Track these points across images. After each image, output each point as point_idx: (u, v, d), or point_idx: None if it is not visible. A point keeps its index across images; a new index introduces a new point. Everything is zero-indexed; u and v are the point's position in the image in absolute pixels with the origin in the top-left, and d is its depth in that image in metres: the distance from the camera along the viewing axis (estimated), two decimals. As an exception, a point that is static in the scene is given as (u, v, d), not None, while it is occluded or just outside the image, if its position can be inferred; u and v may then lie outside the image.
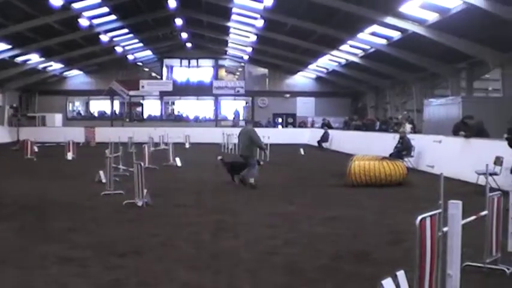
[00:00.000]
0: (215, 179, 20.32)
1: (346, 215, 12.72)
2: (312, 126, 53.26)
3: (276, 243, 9.87)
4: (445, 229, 6.07)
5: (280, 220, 12.07)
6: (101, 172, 18.30)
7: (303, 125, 56.79)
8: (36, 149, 31.35)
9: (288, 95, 58.83)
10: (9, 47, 40.91)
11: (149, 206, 13.53)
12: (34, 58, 47.12)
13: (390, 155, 23.00)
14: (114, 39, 47.08)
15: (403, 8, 28.35)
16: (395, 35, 33.44)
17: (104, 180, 17.39)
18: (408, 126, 29.76)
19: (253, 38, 45.27)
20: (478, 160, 16.99)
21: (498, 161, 16.31)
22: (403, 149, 24.25)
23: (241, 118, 58.21)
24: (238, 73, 62.30)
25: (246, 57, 56.67)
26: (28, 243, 9.68)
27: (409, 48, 34.34)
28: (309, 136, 48.70)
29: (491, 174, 12.91)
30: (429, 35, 29.70)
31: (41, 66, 50.35)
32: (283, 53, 49.02)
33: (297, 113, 58.73)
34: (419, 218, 5.57)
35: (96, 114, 61.68)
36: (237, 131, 36.65)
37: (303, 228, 11.17)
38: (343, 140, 39.25)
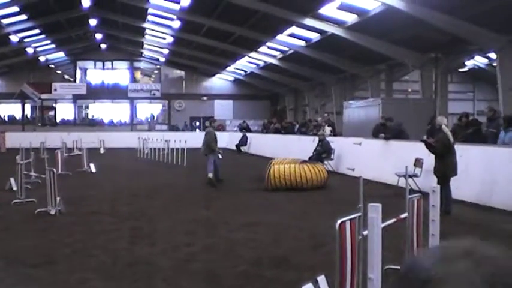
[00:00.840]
0: (131, 185, 20.09)
1: (265, 220, 12.75)
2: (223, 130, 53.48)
3: (194, 250, 9.81)
4: (365, 232, 6.14)
5: (197, 226, 12.01)
6: (12, 179, 17.78)
7: (221, 128, 56.86)
8: None
9: (205, 98, 58.82)
10: None
11: (62, 214, 13.24)
12: None
13: (310, 158, 23.27)
14: (25, 40, 45.84)
15: (322, 10, 28.72)
16: (314, 36, 33.85)
17: (14, 188, 16.87)
18: (328, 129, 30.16)
19: (170, 39, 45.03)
20: (398, 162, 17.39)
21: (418, 162, 16.75)
22: (322, 152, 24.56)
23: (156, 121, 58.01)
24: (154, 75, 61.84)
25: (162, 59, 56.33)
26: None
27: (328, 49, 34.84)
28: (227, 139, 48.78)
29: (411, 176, 13.19)
30: (348, 37, 30.19)
31: None
32: (201, 55, 48.93)
33: (214, 116, 58.68)
34: (339, 221, 5.62)
35: (6, 119, 59.92)
36: (153, 135, 36.47)
37: (221, 234, 11.14)
38: (262, 143, 39.47)
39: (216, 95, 58.89)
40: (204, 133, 22.16)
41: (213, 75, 58.21)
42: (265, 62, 44.78)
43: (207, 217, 13.22)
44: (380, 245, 6.22)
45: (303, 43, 35.93)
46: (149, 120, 58.05)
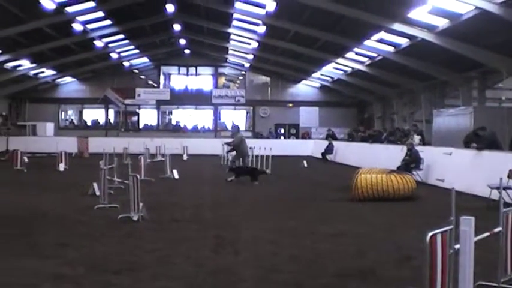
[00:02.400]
0: (214, 192, 20.31)
1: (351, 231, 12.66)
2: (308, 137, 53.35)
3: (278, 260, 9.82)
4: (456, 246, 6.04)
5: (282, 236, 12.00)
6: (95, 184, 18.19)
7: (306, 135, 56.82)
8: (26, 160, 31.29)
9: (290, 105, 58.87)
10: (-1, 52, 41.00)
11: (145, 220, 13.45)
12: (25, 64, 47.21)
13: (398, 167, 22.95)
14: (109, 45, 47.17)
15: (412, 14, 28.34)
16: (404, 42, 33.46)
17: (97, 193, 17.26)
18: (417, 138, 29.70)
19: (255, 44, 45.34)
20: (490, 173, 16.94)
21: (512, 174, 16.25)
22: (411, 162, 24.19)
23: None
24: (238, 81, 62.36)
25: (247, 64, 56.79)
26: (17, 259, 9.61)
27: (418, 55, 34.36)
28: (312, 147, 48.68)
29: (505, 189, 12.85)
30: (439, 42, 29.70)
31: (32, 72, 50.50)
32: (286, 61, 49.10)
33: (300, 124, 58.73)
34: (430, 234, 5.55)
35: (89, 124, 61.67)
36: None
37: (306, 245, 11.11)
38: (348, 152, 39.21)
39: (302, 102, 58.88)
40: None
41: (299, 81, 58.29)
42: (352, 68, 44.51)
43: (292, 227, 13.20)
44: (472, 260, 6.10)
45: (391, 49, 35.57)
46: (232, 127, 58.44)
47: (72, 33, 39.91)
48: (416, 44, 32.01)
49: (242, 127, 59.69)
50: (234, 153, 26.60)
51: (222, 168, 32.49)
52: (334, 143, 42.46)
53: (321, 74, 51.94)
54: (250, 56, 51.56)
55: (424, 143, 30.54)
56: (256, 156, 29.90)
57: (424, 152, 24.95)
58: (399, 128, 40.93)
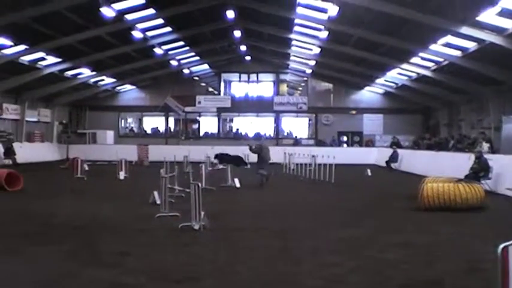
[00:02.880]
0: (276, 201, 20.33)
1: (417, 241, 12.51)
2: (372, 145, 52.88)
3: (341, 270, 9.77)
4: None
5: (345, 245, 11.95)
6: (155, 193, 18.40)
7: (370, 143, 56.39)
8: (86, 168, 31.87)
9: (354, 112, 58.47)
10: (59, 60, 41.85)
11: (206, 229, 13.55)
12: (85, 72, 48.06)
13: (466, 176, 22.54)
14: (169, 52, 47.65)
15: (481, 17, 27.80)
16: (471, 45, 32.88)
17: (158, 202, 17.50)
18: (485, 145, 29.19)
19: (317, 50, 45.18)
20: None
21: None
22: (480, 170, 23.75)
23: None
24: (300, 88, 62.27)
25: (308, 71, 56.63)
26: (78, 268, 9.79)
27: (486, 60, 33.73)
28: (376, 156, 48.30)
29: None
30: (508, 46, 29.10)
31: (92, 80, 51.39)
32: (349, 67, 48.83)
33: (363, 131, 58.29)
34: (502, 246, 5.44)
35: (149, 132, 62.32)
36: (299, 150, 36.62)
37: (371, 255, 11.03)
38: (413, 160, 38.78)
39: (365, 109, 58.34)
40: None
41: (362, 87, 57.85)
42: (417, 73, 43.97)
43: (356, 236, 13.13)
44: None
45: (458, 53, 34.99)
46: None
47: (132, 41, 40.39)
48: (485, 48, 31.42)
49: (304, 135, 59.92)
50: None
51: (283, 177, 32.56)
52: (399, 151, 42.04)
53: (385, 80, 51.46)
54: (312, 62, 51.42)
55: (492, 150, 29.99)
56: (319, 165, 29.78)
57: (493, 160, 24.46)
58: (466, 135, 40.30)
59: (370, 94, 58.52)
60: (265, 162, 27.18)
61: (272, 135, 60.15)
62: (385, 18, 31.83)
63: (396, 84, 51.51)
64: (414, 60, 40.62)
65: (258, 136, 52.94)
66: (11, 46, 35.95)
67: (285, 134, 60.64)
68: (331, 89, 59.59)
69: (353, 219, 15.94)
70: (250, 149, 27.42)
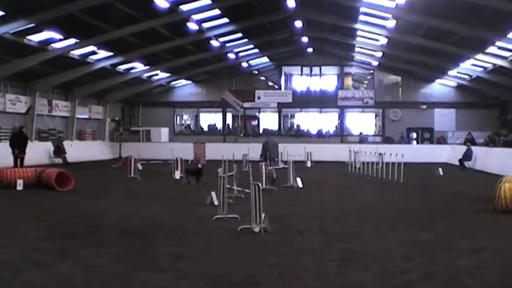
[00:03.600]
0: (340, 202, 20.31)
1: (495, 246, 12.34)
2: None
3: (411, 277, 9.71)
4: None
5: (416, 250, 11.87)
6: (213, 193, 18.50)
7: (441, 140, 55.67)
8: (140, 167, 32.22)
9: (424, 106, 57.76)
10: (111, 54, 42.39)
11: (267, 232, 13.62)
12: (138, 66, 48.61)
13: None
14: (226, 44, 47.76)
15: None
16: (555, 33, 32.21)
17: (216, 203, 17.57)
18: None
19: (384, 41, 44.76)
20: None
21: None
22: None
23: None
24: (366, 82, 61.87)
25: (375, 63, 56.16)
26: (131, 271, 9.93)
27: None
28: (448, 154, 47.73)
29: None
30: None
31: (145, 75, 51.93)
32: (419, 58, 48.26)
33: (434, 127, 57.54)
34: None
35: (206, 129, 62.73)
36: (365, 147, 36.44)
37: (443, 261, 10.93)
38: (489, 158, 38.22)
39: (436, 103, 57.53)
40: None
41: (433, 80, 57.11)
42: (494, 64, 43.18)
43: (427, 240, 13.02)
44: None
45: (540, 41, 34.31)
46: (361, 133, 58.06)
47: (187, 33, 40.54)
48: None
49: (371, 131, 59.57)
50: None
51: (348, 176, 32.45)
52: (473, 148, 41.43)
53: (458, 72, 50.69)
54: (379, 54, 50.98)
55: None
56: (387, 164, 29.56)
57: None
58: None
59: (441, 87, 57.72)
60: (271, 159, 28.07)
61: (336, 131, 59.90)
62: (457, 4, 31.36)
63: (470, 76, 50.71)
64: (490, 49, 39.85)
65: (266, 132, 53.43)
66: (60, 40, 36.54)
67: (350, 131, 60.32)
68: (400, 82, 58.98)
69: (423, 222, 15.80)
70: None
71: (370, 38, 46.42)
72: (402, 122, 57.83)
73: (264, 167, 24.32)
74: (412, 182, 27.57)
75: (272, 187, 23.79)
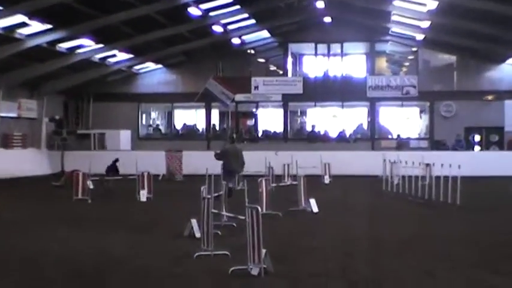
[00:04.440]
0: (372, 234, 20.28)
1: None
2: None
3: None
4: None
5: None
6: (194, 221, 18.55)
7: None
8: (91, 186, 32.10)
9: (490, 97, 57.68)
10: (48, 26, 41.98)
11: (270, 274, 13.62)
12: (87, 44, 48.29)
13: None
14: (210, 13, 47.69)
15: None
16: None
17: (197, 235, 17.63)
18: None
19: (433, 5, 44.68)
20: None
21: None
22: None
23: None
24: (407, 64, 61.85)
25: (420, 37, 56.14)
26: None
27: None
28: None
29: None
30: None
31: (97, 56, 51.69)
32: (482, 29, 48.15)
33: (505, 126, 57.46)
34: None
35: (183, 131, 62.73)
36: (406, 156, 36.41)
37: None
38: None
39: (508, 92, 57.39)
40: None
41: (503, 60, 56.99)
42: None
43: (496, 285, 13.01)
44: None
45: None
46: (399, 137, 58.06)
47: (156, -2, 40.53)
48: None
49: (414, 133, 59.49)
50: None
51: (383, 197, 32.45)
52: None
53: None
54: (426, 24, 50.82)
55: None
56: (437, 178, 29.46)
57: None
58: None
59: (514, 70, 57.70)
60: (231, 171, 28.73)
61: (365, 134, 59.80)
62: None
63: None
64: None
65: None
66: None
67: (385, 132, 60.25)
68: (454, 63, 58.92)
69: (490, 260, 15.80)
70: (215, 155, 29.38)
71: (413, 2, 46.44)
72: (458, 119, 57.70)
73: (264, 184, 24.34)
74: (474, 205, 27.56)
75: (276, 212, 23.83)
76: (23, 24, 40.92)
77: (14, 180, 41.78)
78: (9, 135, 50.35)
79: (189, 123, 62.97)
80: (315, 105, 61.13)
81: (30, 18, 39.98)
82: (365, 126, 60.23)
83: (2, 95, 48.61)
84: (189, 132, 62.03)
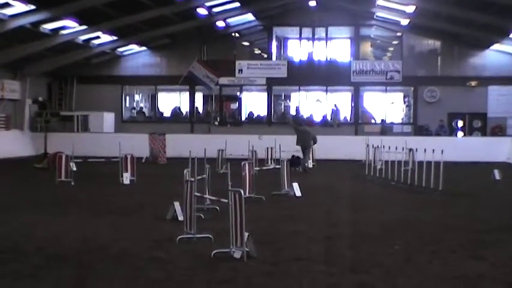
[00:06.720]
0: (355, 219, 20.28)
1: None
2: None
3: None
4: None
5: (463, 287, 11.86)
6: (176, 204, 18.54)
7: (498, 131, 55.74)
8: (74, 168, 31.90)
9: (473, 83, 57.75)
10: (31, 7, 41.76)
11: (252, 258, 13.59)
12: (70, 25, 48.07)
13: None
14: (195, -3, 47.76)
15: None
16: None
17: (180, 218, 17.62)
18: None
19: (417, -9, 44.82)
20: None
21: None
22: None
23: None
24: (391, 49, 61.83)
25: (404, 22, 56.11)
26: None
27: None
28: (509, 149, 47.83)
29: None
30: None
31: (81, 38, 51.38)
32: (467, 14, 48.17)
33: (488, 112, 57.56)
34: None
35: (167, 114, 62.74)
36: (388, 140, 36.46)
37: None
38: None
39: (492, 79, 57.33)
40: None
41: (487, 46, 57.02)
42: None
43: (478, 274, 13.01)
44: None
45: None
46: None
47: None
48: None
49: (397, 118, 59.59)
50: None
51: (366, 182, 32.47)
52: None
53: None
54: (411, 9, 50.82)
55: None
56: (419, 164, 29.49)
57: None
58: None
59: (499, 56, 57.63)
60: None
61: (349, 119, 59.83)
62: None
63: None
64: None
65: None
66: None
67: (368, 117, 60.29)
68: (439, 49, 59.00)
69: (473, 247, 15.77)
70: None
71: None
72: (442, 105, 57.78)
73: (247, 166, 24.32)
74: (457, 190, 27.62)
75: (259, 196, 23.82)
76: (6, 5, 40.76)
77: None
78: (-9, 117, 50.16)
79: (173, 106, 62.73)
80: (299, 90, 61.19)
81: (14, -1, 39.92)
82: (341, 111, 60.12)
83: (-16, 77, 48.50)
84: (173, 115, 61.94)
